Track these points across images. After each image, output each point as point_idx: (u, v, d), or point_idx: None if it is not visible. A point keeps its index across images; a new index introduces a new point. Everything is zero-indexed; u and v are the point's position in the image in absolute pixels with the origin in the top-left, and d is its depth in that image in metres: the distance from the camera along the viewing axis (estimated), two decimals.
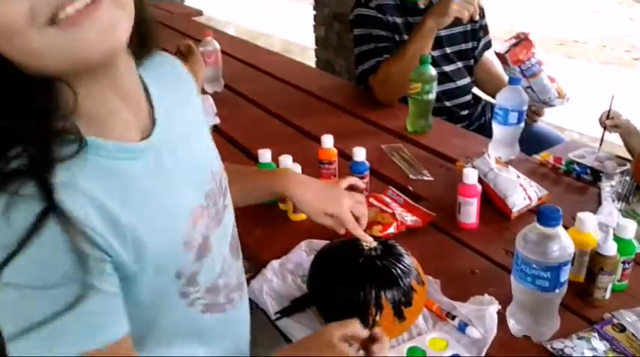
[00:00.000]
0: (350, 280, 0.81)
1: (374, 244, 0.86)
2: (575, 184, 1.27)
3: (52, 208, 0.49)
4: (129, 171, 0.57)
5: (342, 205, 0.90)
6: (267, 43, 4.43)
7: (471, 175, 1.07)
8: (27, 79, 0.51)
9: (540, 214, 0.77)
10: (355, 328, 0.68)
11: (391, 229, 1.07)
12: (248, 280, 1.01)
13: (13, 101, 0.51)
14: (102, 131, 0.56)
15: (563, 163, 1.30)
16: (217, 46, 1.83)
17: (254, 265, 1.11)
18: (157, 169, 0.61)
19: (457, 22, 1.56)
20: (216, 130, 1.56)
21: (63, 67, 0.51)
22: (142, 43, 0.61)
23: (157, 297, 0.62)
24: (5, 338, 0.50)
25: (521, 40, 1.51)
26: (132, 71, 0.61)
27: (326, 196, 0.93)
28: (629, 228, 0.90)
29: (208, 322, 0.71)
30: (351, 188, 1.02)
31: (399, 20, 1.69)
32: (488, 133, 1.53)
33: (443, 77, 1.72)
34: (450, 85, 1.76)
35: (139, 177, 0.58)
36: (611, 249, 0.86)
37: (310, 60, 3.41)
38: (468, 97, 1.83)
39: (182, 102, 0.71)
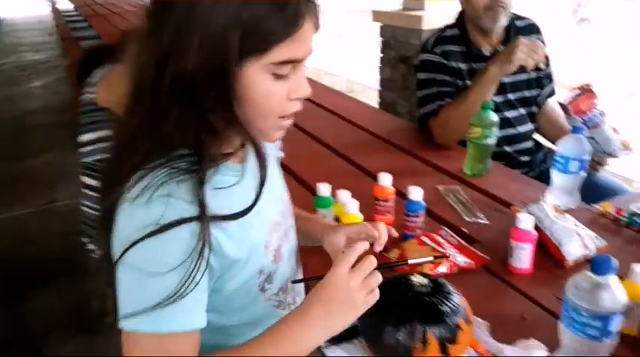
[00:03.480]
0: (397, 314, 0.84)
1: (424, 281, 0.88)
2: (636, 236, 1.24)
3: (201, 217, 0.65)
4: (234, 187, 0.73)
5: (342, 234, 0.92)
6: (332, 82, 4.57)
7: (525, 221, 1.08)
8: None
9: (593, 262, 0.77)
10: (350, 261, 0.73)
11: (442, 269, 1.09)
12: None
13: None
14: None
15: (625, 214, 1.28)
16: None
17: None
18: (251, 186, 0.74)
19: (521, 69, 1.58)
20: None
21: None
22: None
23: (243, 286, 0.78)
24: (119, 313, 0.65)
25: (584, 92, 1.52)
26: None
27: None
28: None
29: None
30: None
31: (463, 66, 1.73)
32: (548, 181, 1.52)
33: (504, 123, 1.74)
34: (511, 131, 1.78)
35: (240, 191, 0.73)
36: None
37: (372, 100, 3.49)
38: (529, 144, 1.83)
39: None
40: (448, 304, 0.85)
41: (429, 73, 1.74)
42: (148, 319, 0.64)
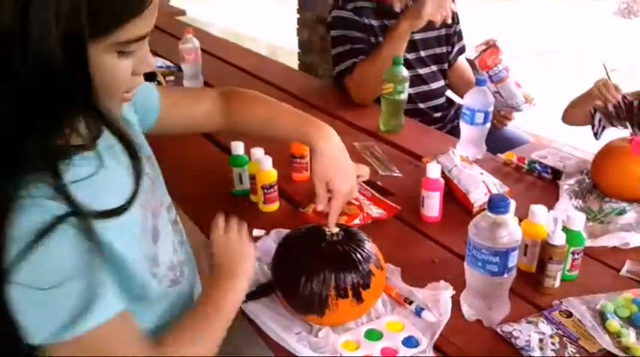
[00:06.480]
0: (311, 263, 0.85)
1: (335, 230, 0.89)
2: (536, 182, 1.32)
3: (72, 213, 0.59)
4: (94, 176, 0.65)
5: (347, 183, 0.93)
6: (254, 46, 4.46)
7: (433, 170, 1.11)
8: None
9: (490, 202, 0.81)
10: None
11: (357, 220, 1.11)
12: None
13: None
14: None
15: (526, 162, 1.36)
16: (197, 43, 1.87)
17: None
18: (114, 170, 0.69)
19: (431, 25, 1.61)
20: None
21: None
22: None
23: (142, 282, 0.73)
24: (33, 338, 0.59)
25: (490, 47, 1.57)
26: None
27: (340, 167, 0.94)
28: (577, 220, 0.94)
29: (175, 296, 0.82)
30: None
31: (375, 23, 1.74)
32: (459, 136, 1.58)
33: (417, 80, 1.78)
34: (424, 88, 1.82)
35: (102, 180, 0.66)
36: (559, 239, 0.91)
37: (295, 64, 3.45)
38: (442, 100, 1.89)
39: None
40: (360, 251, 0.86)
41: (341, 30, 1.74)
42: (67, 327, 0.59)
